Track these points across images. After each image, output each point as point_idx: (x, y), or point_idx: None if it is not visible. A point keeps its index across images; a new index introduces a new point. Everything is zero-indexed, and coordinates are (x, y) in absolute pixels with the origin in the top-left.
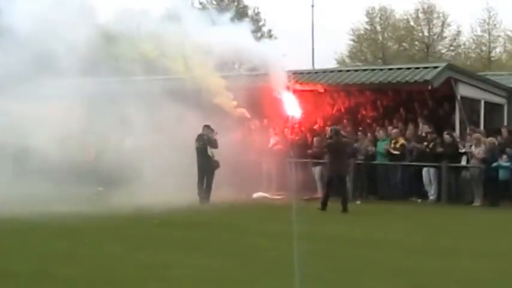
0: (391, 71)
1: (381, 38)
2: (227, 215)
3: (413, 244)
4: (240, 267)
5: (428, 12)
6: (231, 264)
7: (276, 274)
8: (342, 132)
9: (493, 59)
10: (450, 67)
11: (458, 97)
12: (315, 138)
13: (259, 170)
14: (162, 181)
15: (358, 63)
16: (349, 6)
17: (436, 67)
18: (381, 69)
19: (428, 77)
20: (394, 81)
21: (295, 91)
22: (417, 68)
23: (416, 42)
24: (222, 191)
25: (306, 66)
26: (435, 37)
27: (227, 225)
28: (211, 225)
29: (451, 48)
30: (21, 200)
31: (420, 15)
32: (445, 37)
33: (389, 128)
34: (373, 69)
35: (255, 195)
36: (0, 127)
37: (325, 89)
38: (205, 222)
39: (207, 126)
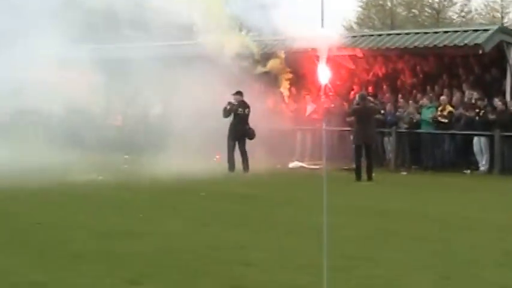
0: (437, 35)
1: (389, 4)
2: (272, 187)
3: (463, 219)
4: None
5: None
6: (311, 245)
7: (377, 259)
8: (370, 98)
9: (505, 24)
10: (502, 30)
11: (511, 61)
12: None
13: (294, 139)
14: (191, 148)
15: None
16: None
17: (486, 30)
18: (425, 33)
19: (479, 41)
20: (441, 45)
21: (332, 57)
22: (465, 31)
23: (426, 8)
24: (257, 161)
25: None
26: (445, 3)
27: (279, 199)
28: (262, 199)
29: (462, 14)
30: (54, 169)
31: None
32: (456, 3)
33: (430, 95)
34: (416, 33)
35: (291, 164)
36: (29, 95)
37: (363, 54)
38: (253, 195)
39: (239, 93)
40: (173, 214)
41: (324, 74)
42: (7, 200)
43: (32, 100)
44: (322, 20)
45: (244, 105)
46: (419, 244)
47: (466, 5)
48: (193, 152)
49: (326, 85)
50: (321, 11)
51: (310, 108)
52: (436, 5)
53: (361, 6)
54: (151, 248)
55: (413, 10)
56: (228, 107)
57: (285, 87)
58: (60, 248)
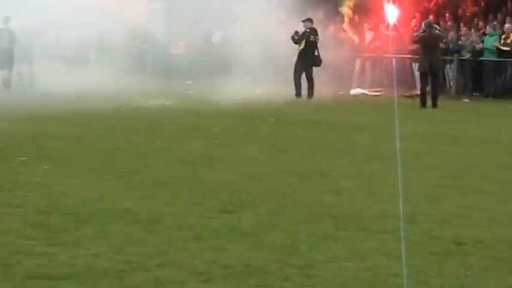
0: None
1: None
2: (340, 113)
3: None
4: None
5: None
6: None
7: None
8: (436, 26)
9: None
10: None
11: None
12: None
13: (354, 66)
14: (253, 74)
15: None
16: None
17: None
18: None
19: None
20: None
21: None
22: None
23: None
24: (319, 88)
25: None
26: None
27: (349, 125)
28: (333, 125)
29: None
30: (121, 95)
31: None
32: None
33: (494, 23)
34: None
35: (353, 91)
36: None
37: None
38: (323, 120)
39: (309, 20)
40: (247, 140)
41: (386, 2)
42: (82, 126)
43: (95, 28)
44: None
45: (315, 32)
46: (509, 172)
47: None
48: (255, 78)
49: (389, 12)
50: None
51: (369, 35)
52: None
53: None
54: (233, 175)
55: None
56: (299, 34)
57: (346, 14)
58: (142, 174)
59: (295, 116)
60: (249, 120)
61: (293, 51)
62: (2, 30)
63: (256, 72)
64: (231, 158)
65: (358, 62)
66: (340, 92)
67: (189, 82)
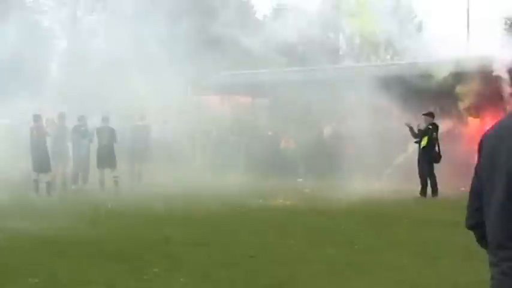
0: None
1: None
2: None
3: None
4: None
5: None
6: None
7: None
8: None
9: None
10: None
11: None
12: None
13: (472, 160)
14: (367, 170)
15: None
16: None
17: None
18: None
19: None
20: None
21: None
22: None
23: None
24: (441, 184)
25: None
26: None
27: None
28: None
29: None
30: (237, 193)
31: None
32: None
33: None
34: None
35: None
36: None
37: None
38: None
39: (430, 114)
40: (390, 244)
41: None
42: (206, 229)
43: (199, 122)
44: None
45: (436, 128)
46: None
47: None
48: (370, 174)
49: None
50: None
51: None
52: None
53: (506, 29)
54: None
55: None
56: (421, 129)
57: (465, 107)
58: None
59: (429, 215)
60: (379, 220)
61: (409, 146)
62: (102, 128)
63: (370, 167)
64: (380, 266)
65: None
66: (462, 188)
67: (300, 179)
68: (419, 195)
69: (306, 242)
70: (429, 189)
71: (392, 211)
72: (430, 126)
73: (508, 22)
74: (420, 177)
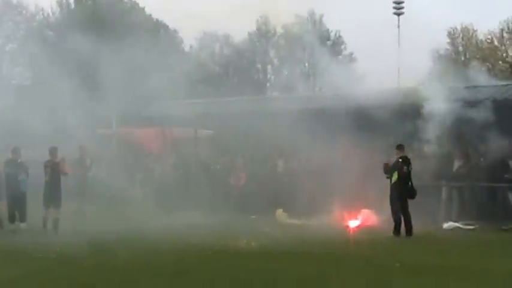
0: None
1: (463, 58)
2: (463, 255)
3: None
4: None
5: None
6: None
7: None
8: None
9: None
10: None
11: None
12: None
13: (439, 196)
14: (327, 207)
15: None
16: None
17: None
18: None
19: None
20: None
21: None
22: None
23: (500, 62)
24: None
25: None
26: None
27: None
28: (465, 271)
29: None
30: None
31: (505, 34)
32: None
33: None
34: None
35: (446, 225)
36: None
37: None
38: (455, 266)
39: (400, 148)
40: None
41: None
42: (176, 277)
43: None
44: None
45: (408, 161)
46: None
47: None
48: (330, 211)
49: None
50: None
51: (457, 163)
52: (510, 59)
53: (434, 60)
54: None
55: (487, 64)
56: (391, 164)
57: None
58: None
59: (419, 259)
60: (369, 267)
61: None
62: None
63: (326, 203)
64: None
65: (444, 191)
66: (431, 226)
67: (253, 216)
68: (392, 234)
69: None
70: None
71: (378, 255)
72: (400, 160)
73: (436, 54)
74: (393, 215)
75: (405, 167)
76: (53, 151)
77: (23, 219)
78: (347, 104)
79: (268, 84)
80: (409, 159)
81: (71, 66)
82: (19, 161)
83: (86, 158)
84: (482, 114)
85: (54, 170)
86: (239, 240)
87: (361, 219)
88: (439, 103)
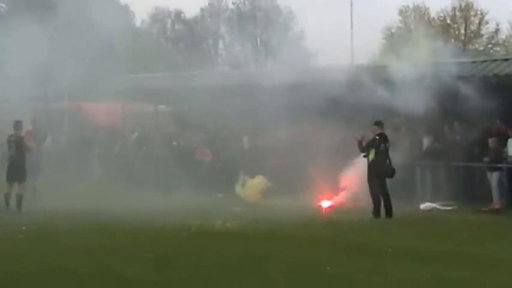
0: None
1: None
2: (453, 239)
3: None
4: None
5: (466, 10)
6: None
7: None
8: None
9: None
10: None
11: None
12: (490, 139)
13: (414, 175)
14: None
15: None
16: (383, 5)
17: None
18: None
19: None
20: None
21: None
22: None
23: (453, 40)
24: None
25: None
26: (472, 35)
27: (489, 255)
28: (470, 258)
29: (489, 46)
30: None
31: (457, 13)
32: (483, 35)
33: None
34: None
35: (423, 205)
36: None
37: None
38: (457, 252)
39: (379, 124)
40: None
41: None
42: (150, 259)
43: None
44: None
45: (385, 138)
46: None
47: (493, 37)
48: (294, 191)
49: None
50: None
51: (426, 141)
52: (462, 37)
53: (386, 38)
54: None
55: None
56: (367, 141)
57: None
58: None
59: (409, 243)
60: (360, 252)
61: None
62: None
63: (289, 183)
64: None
65: (418, 171)
66: (406, 206)
67: (220, 195)
68: (372, 215)
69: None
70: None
71: (365, 239)
72: (377, 137)
73: (388, 32)
74: (371, 195)
75: (382, 145)
76: (17, 125)
77: None
78: (317, 79)
79: (219, 60)
80: (386, 136)
81: (23, 38)
82: None
83: (39, 132)
84: (460, 91)
85: (18, 144)
86: (213, 221)
87: (334, 199)
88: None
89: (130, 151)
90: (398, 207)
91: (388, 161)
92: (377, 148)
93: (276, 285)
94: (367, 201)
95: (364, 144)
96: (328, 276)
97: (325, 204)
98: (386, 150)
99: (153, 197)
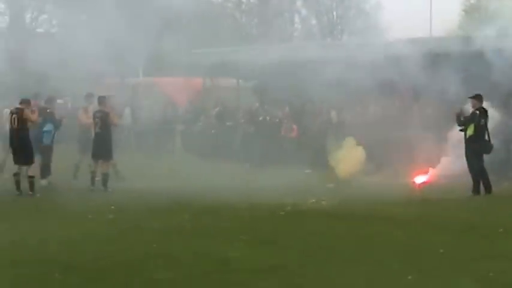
0: None
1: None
2: None
3: None
4: None
5: None
6: None
7: None
8: None
9: None
10: None
11: None
12: None
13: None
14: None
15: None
16: None
17: None
18: None
19: None
20: None
21: None
22: None
23: None
24: None
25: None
26: None
27: None
28: None
29: None
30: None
31: None
32: None
33: None
34: None
35: None
36: None
37: None
38: None
39: (478, 97)
40: None
41: None
42: (258, 242)
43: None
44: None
45: (485, 113)
46: None
47: None
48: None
49: None
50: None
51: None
52: None
53: (464, 10)
54: None
55: None
56: (466, 115)
57: None
58: None
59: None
60: (470, 233)
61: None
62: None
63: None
64: None
65: None
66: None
67: (308, 171)
68: (471, 193)
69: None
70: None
71: (472, 218)
72: (477, 112)
73: (467, 2)
74: (470, 172)
75: (482, 120)
76: (102, 100)
77: (43, 175)
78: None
79: (295, 34)
80: (486, 111)
81: (99, 13)
82: (48, 111)
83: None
84: None
85: (104, 121)
86: (307, 199)
87: (428, 176)
88: None
89: (213, 127)
90: (496, 184)
91: (487, 137)
92: (477, 123)
93: (391, 270)
94: (462, 178)
95: (462, 118)
96: (448, 260)
97: (419, 180)
98: (486, 126)
99: (240, 174)
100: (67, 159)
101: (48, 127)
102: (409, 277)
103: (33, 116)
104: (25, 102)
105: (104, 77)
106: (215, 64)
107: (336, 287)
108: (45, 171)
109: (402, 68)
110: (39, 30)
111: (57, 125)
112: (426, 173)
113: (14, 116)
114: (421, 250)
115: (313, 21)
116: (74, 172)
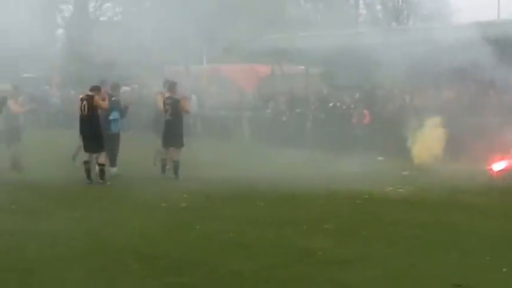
0: None
1: None
2: None
3: None
4: None
5: None
6: None
7: None
8: None
9: None
10: None
11: None
12: None
13: None
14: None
15: None
16: None
17: None
18: None
19: None
20: None
21: None
22: None
23: None
24: None
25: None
26: None
27: None
28: None
29: None
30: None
31: None
32: None
33: None
34: None
35: None
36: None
37: None
38: None
39: None
40: None
41: None
42: (342, 233)
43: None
44: None
45: None
46: None
47: None
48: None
49: None
50: None
51: None
52: None
53: None
54: None
55: None
56: None
57: None
58: None
59: None
60: None
61: None
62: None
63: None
64: None
65: None
66: None
67: (381, 158)
68: None
69: None
70: None
71: None
72: None
73: None
74: None
75: None
76: (172, 87)
77: (113, 163)
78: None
79: (360, 20)
80: None
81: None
82: (113, 99)
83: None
84: None
85: (174, 107)
86: (383, 187)
87: (506, 162)
88: None
89: (283, 114)
90: None
91: None
92: None
93: (483, 262)
94: None
95: None
96: None
97: (497, 167)
98: None
99: (312, 162)
100: (135, 148)
101: (114, 115)
102: (504, 269)
103: (104, 103)
104: (95, 89)
105: (167, 65)
106: (282, 50)
107: (425, 279)
108: (114, 159)
109: (472, 53)
110: (102, 18)
111: (123, 113)
112: (504, 160)
113: (84, 102)
114: (508, 240)
115: (378, 7)
116: (153, 159)
